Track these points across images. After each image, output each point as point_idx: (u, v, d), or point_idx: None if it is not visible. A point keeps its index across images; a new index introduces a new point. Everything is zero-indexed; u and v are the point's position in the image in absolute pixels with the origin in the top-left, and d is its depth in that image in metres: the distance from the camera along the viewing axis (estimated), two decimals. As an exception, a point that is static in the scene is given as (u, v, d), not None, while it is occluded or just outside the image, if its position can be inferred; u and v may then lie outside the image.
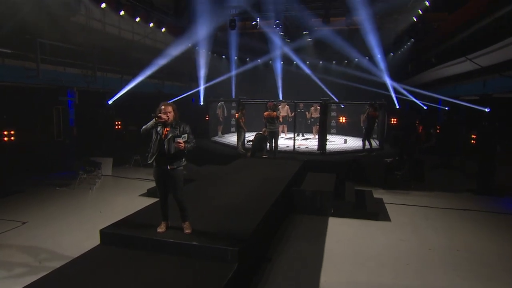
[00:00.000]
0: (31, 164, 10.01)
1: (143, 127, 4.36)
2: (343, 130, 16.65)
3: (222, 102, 14.51)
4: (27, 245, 5.61)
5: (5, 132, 8.09)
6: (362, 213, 7.19)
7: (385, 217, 7.25)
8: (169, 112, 4.42)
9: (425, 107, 16.28)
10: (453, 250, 5.73)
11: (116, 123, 12.35)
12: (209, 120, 13.87)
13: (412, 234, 6.40)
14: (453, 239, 6.23)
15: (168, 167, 4.37)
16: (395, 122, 18.44)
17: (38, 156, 10.19)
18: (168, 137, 4.38)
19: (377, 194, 8.96)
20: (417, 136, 11.89)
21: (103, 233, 4.40)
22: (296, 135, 15.72)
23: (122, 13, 10.56)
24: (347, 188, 8.56)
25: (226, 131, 15.58)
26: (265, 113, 10.14)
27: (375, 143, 12.92)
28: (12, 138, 8.18)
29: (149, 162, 4.41)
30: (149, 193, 8.45)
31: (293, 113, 15.58)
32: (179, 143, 4.32)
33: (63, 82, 10.09)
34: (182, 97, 15.71)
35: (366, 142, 10.90)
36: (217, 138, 13.56)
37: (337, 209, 7.27)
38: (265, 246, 5.60)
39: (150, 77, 14.51)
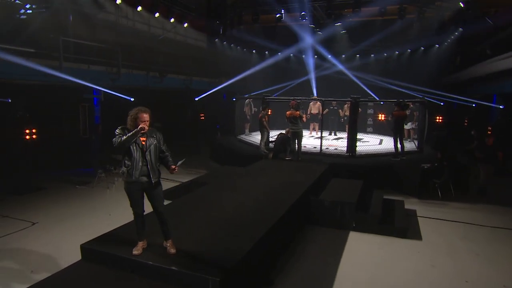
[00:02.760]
0: (58, 161, 10.20)
1: (119, 140, 3.81)
2: (381, 129, 15.41)
3: (250, 100, 13.95)
4: (28, 249, 5.49)
5: (27, 131, 8.14)
6: (388, 229, 6.30)
7: (416, 235, 6.31)
8: (148, 120, 3.94)
9: (473, 105, 14.59)
10: (499, 286, 4.73)
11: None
12: (235, 117, 13.39)
13: (446, 259, 5.44)
14: (499, 270, 5.15)
15: (153, 182, 3.92)
16: (440, 120, 16.82)
17: (64, 153, 10.36)
18: (149, 149, 3.93)
19: (410, 204, 7.96)
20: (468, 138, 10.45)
21: (84, 248, 4.05)
22: (328, 134, 14.96)
23: (157, 15, 10.33)
24: (375, 197, 7.67)
25: (254, 128, 15.00)
26: (287, 112, 9.43)
27: (414, 145, 11.71)
28: (34, 136, 8.23)
29: (134, 179, 3.93)
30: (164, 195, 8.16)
31: (325, 110, 14.71)
32: (174, 169, 3.95)
33: (87, 80, 10.09)
34: (211, 92, 15.53)
35: (398, 145, 9.80)
36: (242, 136, 13.07)
37: (360, 223, 6.45)
38: (271, 263, 5.00)
39: (177, 73, 14.40)
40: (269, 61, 16.28)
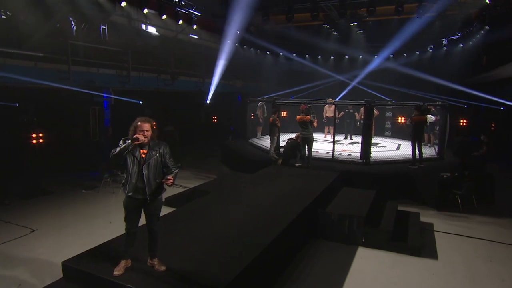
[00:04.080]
0: (68, 164, 10.20)
1: (113, 152, 3.61)
2: (400, 133, 14.67)
3: (263, 102, 13.60)
4: (22, 257, 5.36)
5: (33, 135, 8.12)
6: (401, 246, 5.80)
7: (431, 253, 5.77)
8: (147, 131, 3.69)
9: (501, 108, 13.63)
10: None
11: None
12: (247, 120, 13.08)
13: (465, 284, 4.90)
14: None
15: (148, 199, 3.65)
16: (464, 124, 15.87)
17: (75, 156, 10.35)
18: (148, 162, 3.65)
19: (427, 217, 7.39)
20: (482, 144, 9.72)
21: (65, 266, 3.83)
22: (343, 137, 14.40)
23: (164, 17, 10.18)
24: (388, 208, 7.16)
25: (266, 132, 14.65)
26: (297, 117, 9.01)
27: (434, 151, 11.02)
28: (41, 140, 8.20)
29: (129, 194, 3.69)
30: (167, 202, 7.94)
31: (341, 114, 14.17)
32: (169, 180, 3.62)
33: (97, 83, 10.05)
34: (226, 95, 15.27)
35: (416, 152, 9.20)
36: (254, 140, 12.74)
37: (370, 238, 5.97)
38: (270, 281, 4.64)
39: (189, 75, 14.24)
40: (283, 63, 15.87)
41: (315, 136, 14.37)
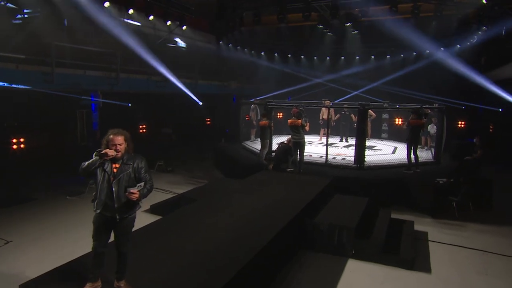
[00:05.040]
0: (54, 169, 9.91)
1: (82, 166, 3.38)
2: (397, 135, 14.38)
3: (256, 105, 13.32)
4: (-10, 273, 5.07)
5: (14, 140, 7.84)
6: (393, 258, 5.51)
7: (424, 266, 5.48)
8: (120, 144, 3.42)
9: (500, 109, 13.35)
10: None
11: (141, 126, 11.88)
12: (240, 123, 12.80)
13: (458, 300, 4.63)
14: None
15: (117, 217, 3.37)
16: (462, 125, 15.59)
17: (62, 161, 10.06)
18: (119, 178, 3.36)
19: (422, 225, 7.10)
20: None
21: (23, 288, 3.54)
22: (339, 140, 14.11)
23: (151, 17, 9.87)
24: (381, 217, 6.89)
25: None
26: (289, 121, 8.73)
27: (431, 154, 10.72)
28: (22, 145, 7.91)
29: (97, 211, 3.42)
30: (152, 210, 7.68)
31: (337, 116, 13.89)
32: (132, 193, 3.32)
33: (83, 85, 9.76)
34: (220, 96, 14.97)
35: (412, 156, 8.92)
36: (247, 143, 12.45)
37: (360, 250, 5.69)
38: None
39: (182, 76, 13.94)
40: (279, 64, 15.59)
41: (311, 138, 14.20)
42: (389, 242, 5.92)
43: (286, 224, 5.36)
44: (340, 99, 14.79)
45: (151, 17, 9.35)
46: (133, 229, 5.08)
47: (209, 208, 6.21)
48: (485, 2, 8.45)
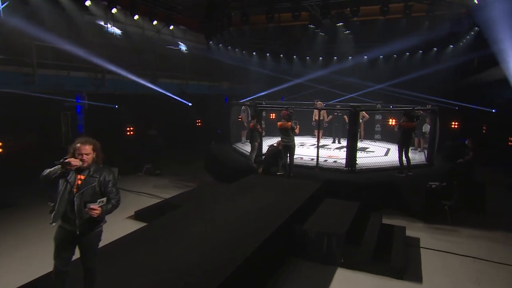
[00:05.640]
0: (39, 173, 9.60)
1: (43, 173, 3.18)
2: (390, 136, 14.22)
3: (247, 106, 13.09)
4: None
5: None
6: (383, 267, 5.32)
7: (415, 275, 5.30)
8: (87, 154, 3.19)
9: (493, 110, 13.26)
10: None
11: (128, 129, 11.59)
12: (231, 124, 12.57)
13: (449, 312, 4.45)
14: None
15: (78, 232, 3.13)
16: (456, 126, 15.51)
17: (44, 165, 9.75)
18: (82, 191, 3.13)
19: (414, 230, 6.93)
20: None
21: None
22: (331, 141, 13.94)
23: (136, 17, 9.60)
24: (372, 222, 6.71)
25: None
26: (278, 123, 8.52)
27: (424, 156, 10.57)
28: (0, 150, 7.62)
29: (53, 224, 3.19)
30: (137, 216, 7.44)
31: (329, 117, 13.72)
32: (93, 209, 3.08)
33: (67, 87, 9.47)
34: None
35: (404, 159, 8.78)
36: (238, 145, 12.21)
37: (350, 258, 5.50)
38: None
39: (172, 77, 13.70)
40: (270, 64, 15.38)
41: (304, 140, 14.02)
42: (379, 249, 5.74)
43: (273, 232, 5.14)
44: (334, 101, 14.63)
45: (136, 17, 9.08)
46: (117, 237, 4.90)
47: (194, 215, 5.97)
48: (477, 2, 8.32)
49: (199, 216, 5.89)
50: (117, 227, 6.80)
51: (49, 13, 8.92)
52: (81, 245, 3.26)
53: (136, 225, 6.81)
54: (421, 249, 6.19)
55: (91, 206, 3.10)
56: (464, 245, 6.32)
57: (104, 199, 3.21)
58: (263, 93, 13.85)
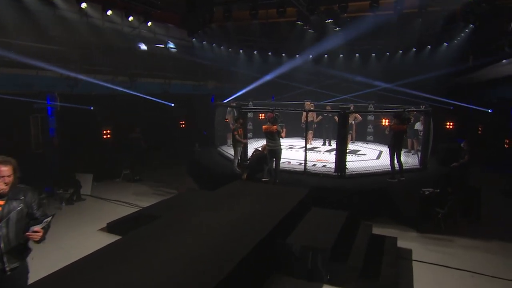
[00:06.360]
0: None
1: None
2: (383, 137, 14.02)
3: (233, 107, 12.81)
4: None
5: None
6: (371, 284, 5.10)
7: (407, 293, 5.09)
8: (8, 176, 2.84)
9: (489, 110, 13.22)
10: None
11: (104, 132, 11.20)
12: (216, 126, 12.28)
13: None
14: None
15: (6, 267, 2.78)
16: (451, 126, 15.46)
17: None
18: (7, 218, 2.79)
19: (406, 241, 6.73)
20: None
21: None
22: (322, 143, 13.74)
23: (109, 12, 9.19)
24: (361, 232, 6.50)
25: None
26: (263, 127, 8.26)
27: (417, 159, 10.42)
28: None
29: None
30: (109, 228, 7.11)
31: (319, 118, 13.51)
32: (36, 233, 2.75)
33: (36, 87, 9.07)
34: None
35: (396, 163, 8.61)
36: (223, 149, 11.92)
37: (336, 274, 5.25)
38: None
39: (153, 76, 13.34)
40: (258, 62, 15.13)
41: (293, 142, 13.79)
42: (369, 263, 5.52)
43: (253, 248, 4.87)
44: (326, 101, 14.44)
45: (109, 12, 8.70)
46: (85, 253, 4.58)
47: (174, 226, 5.68)
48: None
49: (174, 231, 5.58)
50: (87, 241, 6.51)
51: (7, 6, 8.49)
52: (6, 286, 2.86)
53: (109, 239, 6.49)
54: (413, 262, 5.99)
55: (35, 229, 2.77)
56: (458, 257, 6.14)
57: (49, 218, 2.89)
58: (239, 93, 13.56)
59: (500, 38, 10.44)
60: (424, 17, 9.52)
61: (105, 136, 11.22)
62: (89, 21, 9.71)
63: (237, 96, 13.69)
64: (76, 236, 6.77)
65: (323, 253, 5.26)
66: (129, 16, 9.11)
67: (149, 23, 9.99)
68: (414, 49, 13.14)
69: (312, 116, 13.14)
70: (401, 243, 6.52)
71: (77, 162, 9.83)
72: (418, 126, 11.32)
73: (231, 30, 13.29)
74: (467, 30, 10.85)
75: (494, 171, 11.58)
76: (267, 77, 14.59)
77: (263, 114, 15.27)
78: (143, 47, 12.31)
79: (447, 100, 13.32)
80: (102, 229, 7.17)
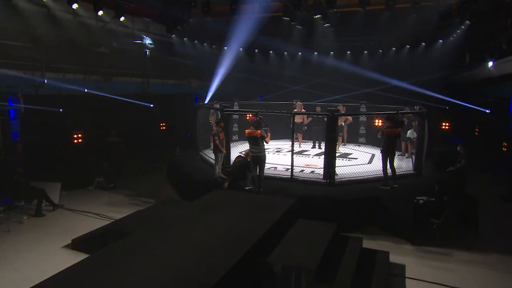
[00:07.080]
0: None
1: None
2: (375, 139, 13.78)
3: (216, 109, 12.43)
4: None
5: None
6: (361, 308, 4.81)
7: (399, 316, 4.81)
8: None
9: (487, 110, 13.10)
10: None
11: (75, 136, 10.74)
12: (198, 129, 11.90)
13: None
14: None
15: None
16: (447, 127, 15.34)
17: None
18: None
19: (399, 254, 6.48)
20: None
21: None
22: (311, 146, 13.47)
23: (75, 6, 8.70)
24: (350, 247, 6.20)
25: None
26: (246, 131, 7.91)
27: (411, 164, 10.20)
28: None
29: None
30: (74, 245, 6.69)
31: (308, 119, 13.24)
32: None
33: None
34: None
35: (388, 169, 8.38)
36: (205, 153, 11.54)
37: (322, 296, 4.96)
38: None
39: (131, 75, 12.91)
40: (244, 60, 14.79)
41: (281, 144, 13.49)
42: (358, 283, 5.23)
43: (229, 270, 4.54)
44: (316, 101, 14.17)
45: (75, 5, 8.24)
46: (48, 275, 4.18)
47: (146, 243, 5.30)
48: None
49: (144, 249, 5.20)
50: (48, 261, 6.09)
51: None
52: None
53: (72, 258, 6.11)
54: (406, 279, 5.72)
55: None
56: (454, 273, 5.89)
57: None
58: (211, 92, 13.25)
59: (498, 35, 10.34)
60: (418, 12, 9.32)
61: (75, 141, 10.74)
62: (53, 14, 9.16)
63: (213, 95, 13.27)
64: (35, 255, 6.33)
65: (308, 273, 4.94)
66: (98, 11, 8.67)
67: (122, 18, 9.55)
68: (408, 46, 12.96)
69: (302, 118, 12.88)
70: (393, 258, 6.26)
71: (44, 169, 9.38)
72: (410, 133, 11.13)
73: (213, 26, 12.93)
74: (463, 27, 10.69)
75: (492, 176, 11.46)
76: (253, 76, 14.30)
77: (250, 115, 14.95)
78: (148, 41, 11.95)
79: (443, 97, 13.14)
80: (66, 246, 6.74)
